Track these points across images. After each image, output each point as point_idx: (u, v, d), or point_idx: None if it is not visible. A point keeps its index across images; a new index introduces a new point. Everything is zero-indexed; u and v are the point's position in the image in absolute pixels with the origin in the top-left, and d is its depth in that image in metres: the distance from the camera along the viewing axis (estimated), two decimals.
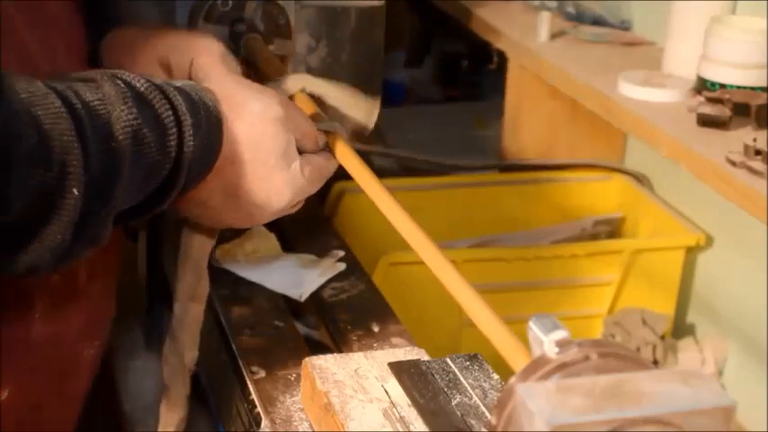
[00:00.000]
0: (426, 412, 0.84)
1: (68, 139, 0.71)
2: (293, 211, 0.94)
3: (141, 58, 0.97)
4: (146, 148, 0.77)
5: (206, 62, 0.95)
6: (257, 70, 1.34)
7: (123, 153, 0.75)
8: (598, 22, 1.94)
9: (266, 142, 0.88)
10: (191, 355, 1.03)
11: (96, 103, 0.75)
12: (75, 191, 0.71)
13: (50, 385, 0.92)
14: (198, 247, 1.01)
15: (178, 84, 0.84)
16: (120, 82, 0.78)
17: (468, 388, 0.87)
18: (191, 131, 0.81)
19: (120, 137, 0.75)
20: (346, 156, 0.98)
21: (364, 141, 1.66)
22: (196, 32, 1.04)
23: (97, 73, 0.78)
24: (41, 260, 0.73)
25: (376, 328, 1.09)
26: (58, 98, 0.71)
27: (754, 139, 1.35)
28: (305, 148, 0.92)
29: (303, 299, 1.14)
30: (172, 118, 0.80)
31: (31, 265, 0.73)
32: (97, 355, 1.00)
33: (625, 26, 1.94)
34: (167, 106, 0.80)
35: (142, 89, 0.79)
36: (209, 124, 0.84)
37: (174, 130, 0.80)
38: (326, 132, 0.96)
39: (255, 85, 0.92)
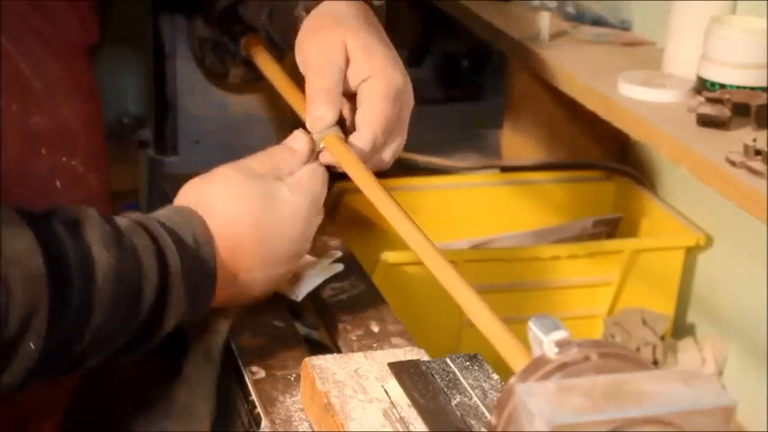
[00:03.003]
0: (426, 412, 0.84)
1: (37, 300, 0.74)
2: (318, 220, 0.98)
3: (324, 47, 0.98)
4: (124, 288, 0.80)
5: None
6: (257, 70, 1.34)
7: (101, 296, 0.78)
8: (598, 22, 1.94)
9: (248, 205, 0.91)
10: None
11: (80, 250, 0.78)
12: (31, 345, 0.75)
13: None
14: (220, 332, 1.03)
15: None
16: (104, 222, 0.81)
17: (468, 388, 0.87)
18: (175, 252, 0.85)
19: (100, 282, 0.78)
20: (345, 156, 0.97)
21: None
22: (378, 52, 1.02)
23: (80, 212, 0.81)
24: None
25: (376, 328, 1.09)
26: (41, 255, 0.75)
27: (754, 139, 1.35)
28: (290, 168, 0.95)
29: (300, 299, 1.14)
30: (153, 254, 0.83)
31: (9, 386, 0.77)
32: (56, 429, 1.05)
33: (625, 26, 1.94)
34: (148, 241, 0.83)
35: (122, 227, 0.83)
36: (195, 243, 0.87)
37: (154, 260, 0.83)
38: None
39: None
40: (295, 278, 1.16)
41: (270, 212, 0.91)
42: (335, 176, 0.99)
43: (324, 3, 1.02)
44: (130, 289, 0.81)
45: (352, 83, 0.98)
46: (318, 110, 0.96)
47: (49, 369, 0.79)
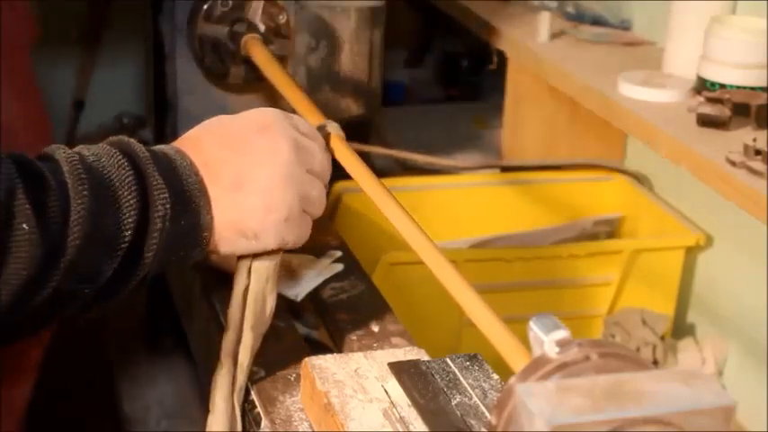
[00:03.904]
0: (426, 412, 0.84)
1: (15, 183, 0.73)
2: (319, 187, 0.92)
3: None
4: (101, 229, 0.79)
5: None
6: (257, 70, 1.34)
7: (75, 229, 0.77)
8: (598, 21, 1.94)
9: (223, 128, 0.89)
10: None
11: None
12: (24, 226, 0.73)
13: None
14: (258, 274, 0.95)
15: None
16: (77, 162, 0.79)
17: (468, 388, 0.87)
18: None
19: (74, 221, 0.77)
20: (346, 156, 0.98)
21: (364, 141, 1.66)
22: None
23: (55, 149, 0.81)
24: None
25: (376, 328, 1.09)
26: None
27: (754, 139, 1.35)
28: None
29: (299, 299, 1.14)
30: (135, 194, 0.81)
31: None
32: (39, 359, 1.04)
33: (625, 26, 1.94)
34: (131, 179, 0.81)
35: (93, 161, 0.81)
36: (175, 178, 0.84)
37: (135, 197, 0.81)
38: (320, 128, 0.96)
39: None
40: (294, 278, 1.16)
41: (255, 132, 0.89)
42: (336, 177, 0.99)
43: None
44: (107, 193, 0.80)
45: None
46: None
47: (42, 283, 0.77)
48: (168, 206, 0.82)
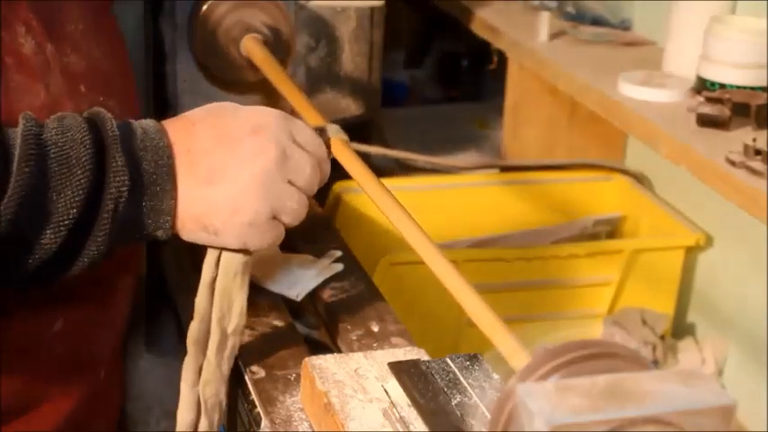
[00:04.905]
0: (426, 412, 0.84)
1: None
2: (297, 198, 0.91)
3: None
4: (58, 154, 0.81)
5: None
6: (257, 70, 1.34)
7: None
8: (598, 21, 1.94)
9: (219, 115, 0.89)
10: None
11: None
12: None
13: (94, 315, 1.03)
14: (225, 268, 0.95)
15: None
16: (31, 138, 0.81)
17: (468, 388, 0.87)
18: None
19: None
20: (346, 156, 0.98)
21: (364, 141, 1.67)
22: None
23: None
24: None
25: (376, 328, 1.09)
26: None
27: (754, 139, 1.35)
28: None
29: (299, 299, 1.14)
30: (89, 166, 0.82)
31: None
32: (133, 284, 1.10)
33: (625, 26, 1.94)
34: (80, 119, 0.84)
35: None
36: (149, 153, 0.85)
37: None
38: (321, 131, 0.96)
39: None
40: (294, 278, 1.16)
41: (239, 129, 0.89)
42: (336, 177, 0.99)
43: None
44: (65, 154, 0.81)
45: None
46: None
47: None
48: (125, 189, 0.83)
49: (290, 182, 0.89)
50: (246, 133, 0.88)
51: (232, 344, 0.96)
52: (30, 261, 0.82)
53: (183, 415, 0.96)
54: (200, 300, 0.94)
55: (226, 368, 0.96)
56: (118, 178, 0.82)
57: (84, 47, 1.01)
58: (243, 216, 0.87)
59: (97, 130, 0.83)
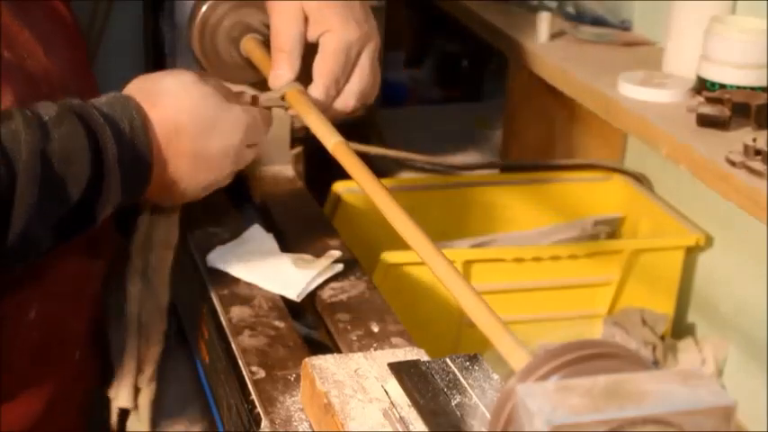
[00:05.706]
0: (426, 412, 0.84)
1: None
2: (252, 155, 1.04)
3: (283, 14, 1.12)
4: (49, 170, 0.85)
5: None
6: (257, 70, 1.34)
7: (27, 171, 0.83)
8: (598, 22, 1.94)
9: (195, 99, 0.98)
10: (165, 297, 1.16)
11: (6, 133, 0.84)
12: None
13: (68, 301, 1.08)
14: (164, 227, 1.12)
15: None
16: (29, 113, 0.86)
17: (468, 388, 0.87)
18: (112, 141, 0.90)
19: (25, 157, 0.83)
20: (346, 156, 0.98)
21: (364, 141, 1.67)
22: (330, 10, 1.13)
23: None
24: None
25: (376, 329, 1.09)
26: None
27: (754, 139, 1.35)
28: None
29: (299, 299, 1.14)
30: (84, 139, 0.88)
31: None
32: (104, 268, 1.15)
33: (625, 26, 1.94)
34: (82, 129, 0.88)
35: (53, 114, 0.88)
36: (132, 129, 0.93)
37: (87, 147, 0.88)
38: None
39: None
40: (294, 278, 1.16)
41: (213, 111, 0.99)
42: (336, 176, 0.99)
43: None
44: (58, 171, 0.86)
45: (313, 39, 1.11)
46: (279, 69, 1.10)
47: None
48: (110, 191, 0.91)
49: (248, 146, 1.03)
50: (221, 154, 1.01)
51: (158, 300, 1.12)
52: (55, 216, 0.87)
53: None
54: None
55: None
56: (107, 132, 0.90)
57: (40, 51, 1.02)
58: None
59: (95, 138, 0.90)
